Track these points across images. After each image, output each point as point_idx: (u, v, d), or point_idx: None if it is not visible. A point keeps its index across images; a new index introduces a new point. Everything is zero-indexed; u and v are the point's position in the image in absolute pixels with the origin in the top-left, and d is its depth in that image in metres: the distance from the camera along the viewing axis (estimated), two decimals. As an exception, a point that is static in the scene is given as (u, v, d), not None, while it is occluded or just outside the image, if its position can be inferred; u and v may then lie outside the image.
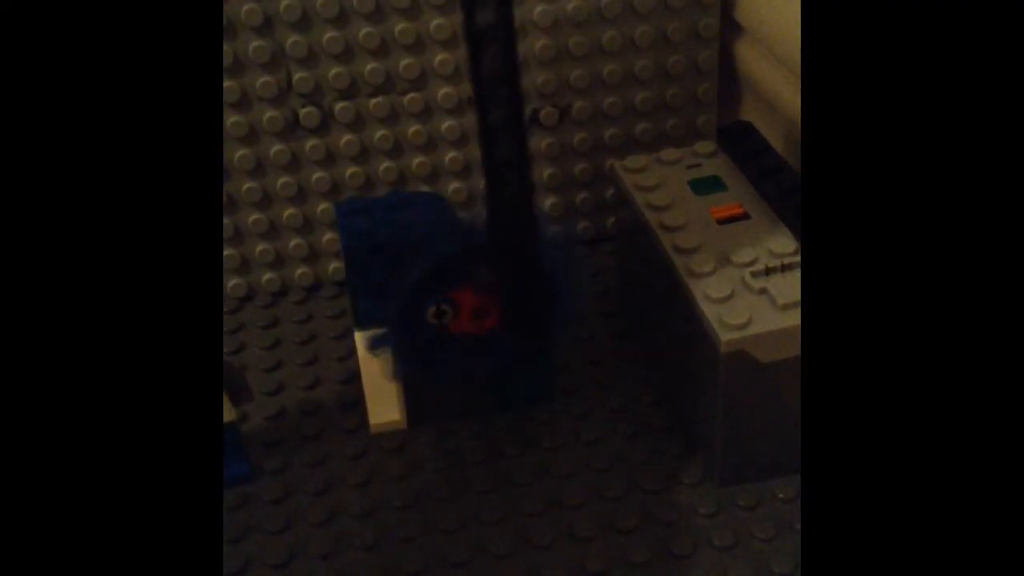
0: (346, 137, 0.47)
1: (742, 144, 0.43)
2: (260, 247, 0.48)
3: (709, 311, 0.35)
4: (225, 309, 0.49)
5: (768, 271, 0.37)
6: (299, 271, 0.49)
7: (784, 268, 0.37)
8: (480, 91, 0.32)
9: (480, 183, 0.49)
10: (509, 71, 0.31)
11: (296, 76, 0.45)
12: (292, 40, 0.44)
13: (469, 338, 0.38)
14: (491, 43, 0.31)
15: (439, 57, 0.46)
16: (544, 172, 0.49)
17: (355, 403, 0.42)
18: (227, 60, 0.44)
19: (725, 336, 0.34)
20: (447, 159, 0.48)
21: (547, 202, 0.50)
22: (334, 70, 0.45)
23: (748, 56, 0.50)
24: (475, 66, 0.31)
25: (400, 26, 0.45)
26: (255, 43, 0.44)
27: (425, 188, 0.48)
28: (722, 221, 0.40)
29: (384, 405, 0.42)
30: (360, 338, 0.39)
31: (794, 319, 0.35)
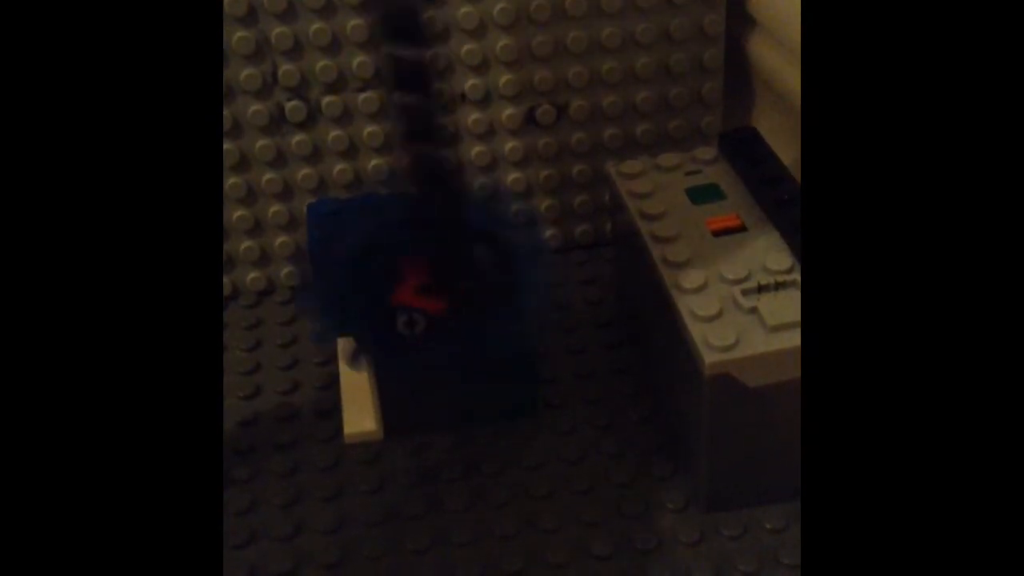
0: (333, 132, 0.45)
1: (745, 151, 0.41)
2: (245, 244, 0.47)
3: (695, 330, 0.33)
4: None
5: (760, 289, 0.34)
6: (285, 270, 0.48)
7: (777, 286, 0.34)
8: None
9: (476, 182, 0.47)
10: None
11: (281, 68, 0.43)
12: (277, 31, 0.42)
13: (441, 328, 0.35)
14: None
15: (431, 51, 0.44)
16: (541, 173, 0.47)
17: (332, 411, 0.41)
18: (210, 51, 0.43)
19: (709, 358, 0.32)
20: (439, 157, 0.46)
21: (544, 204, 0.48)
22: (321, 63, 0.43)
23: (762, 53, 0.48)
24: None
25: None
26: (239, 34, 0.42)
27: (416, 187, 0.47)
28: (717, 233, 0.37)
29: (360, 415, 0.40)
30: (341, 345, 0.37)
31: (784, 342, 0.33)
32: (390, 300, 0.35)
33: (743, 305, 0.34)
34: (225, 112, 0.44)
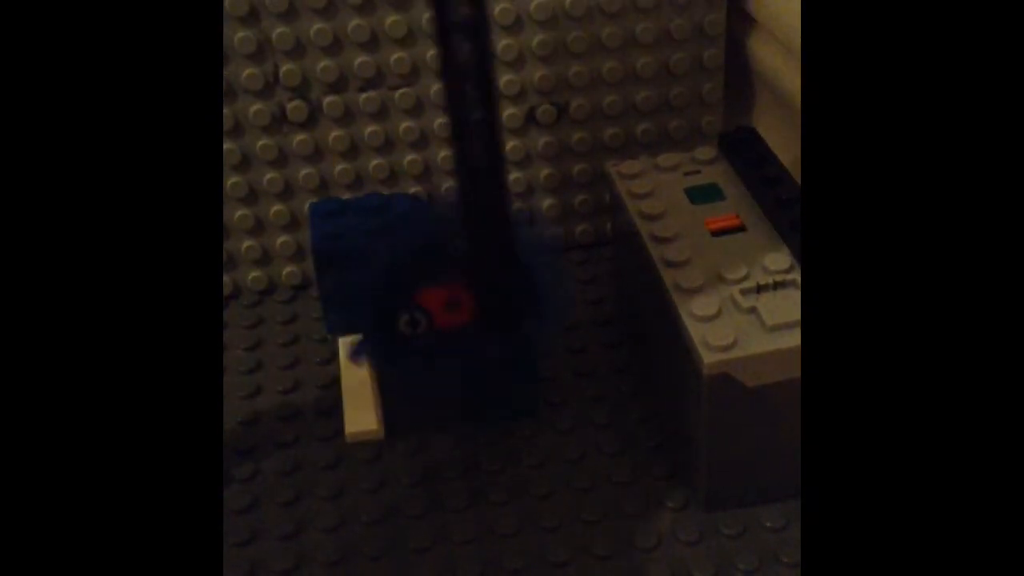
0: (335, 132, 0.45)
1: (744, 151, 0.41)
2: (246, 244, 0.47)
3: (694, 330, 0.33)
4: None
5: (759, 289, 0.34)
6: (286, 269, 0.48)
7: (776, 286, 0.34)
8: (452, 88, 0.30)
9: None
10: (482, 68, 0.30)
11: (283, 68, 0.43)
12: (279, 31, 0.43)
13: (446, 335, 0.36)
14: (463, 39, 0.29)
15: (431, 51, 0.44)
16: (541, 172, 0.48)
17: (333, 410, 0.41)
18: (212, 51, 0.43)
19: (708, 358, 0.33)
20: (440, 157, 0.46)
21: (544, 203, 0.48)
22: (322, 63, 0.43)
23: (762, 53, 0.48)
24: (447, 63, 0.30)
25: (391, 18, 0.43)
26: (240, 33, 0.42)
27: (416, 186, 0.47)
28: (716, 233, 0.37)
29: (361, 414, 0.40)
30: (342, 345, 0.38)
31: (783, 342, 0.33)
32: (409, 303, 0.35)
33: (742, 305, 0.34)
34: (227, 112, 0.44)
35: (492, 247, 0.33)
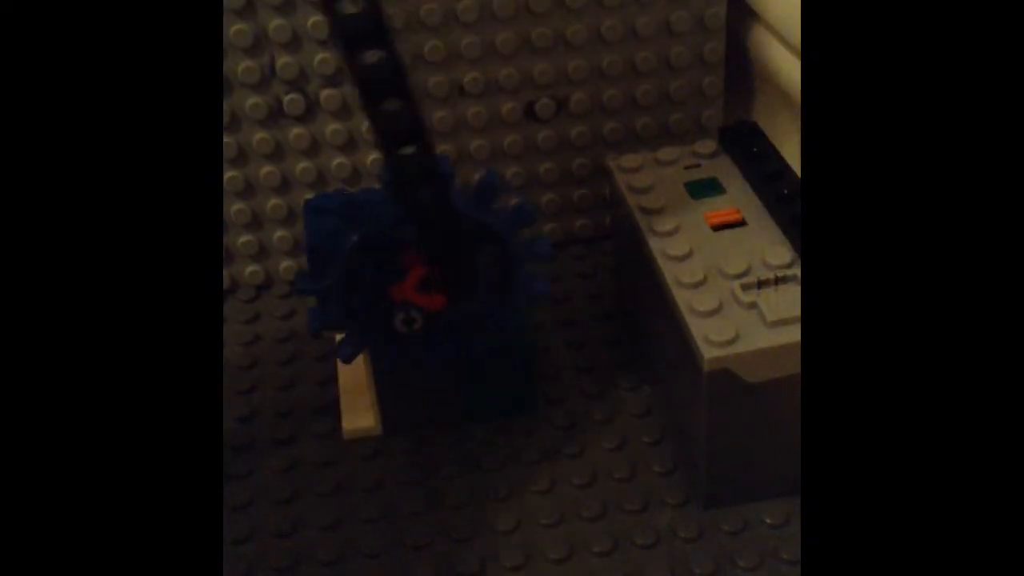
0: (332, 126, 0.45)
1: (745, 145, 0.40)
2: (243, 238, 0.47)
3: (694, 325, 0.33)
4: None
5: (760, 284, 0.34)
6: (284, 264, 0.48)
7: (777, 281, 0.34)
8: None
9: (474, 176, 0.47)
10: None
11: (280, 61, 0.43)
12: (275, 23, 0.42)
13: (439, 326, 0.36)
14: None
15: (429, 43, 0.43)
16: (540, 167, 0.47)
17: (330, 406, 0.41)
18: (208, 44, 0.42)
19: (709, 353, 0.32)
20: (438, 150, 0.46)
21: (543, 198, 0.48)
22: (319, 55, 0.43)
23: (762, 47, 0.48)
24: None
25: (388, 11, 0.42)
26: (236, 26, 0.42)
27: (415, 181, 0.46)
28: (717, 227, 0.37)
29: (359, 411, 0.40)
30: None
31: (784, 337, 0.32)
32: (388, 296, 0.35)
33: (743, 300, 0.34)
34: (223, 105, 0.44)
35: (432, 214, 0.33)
